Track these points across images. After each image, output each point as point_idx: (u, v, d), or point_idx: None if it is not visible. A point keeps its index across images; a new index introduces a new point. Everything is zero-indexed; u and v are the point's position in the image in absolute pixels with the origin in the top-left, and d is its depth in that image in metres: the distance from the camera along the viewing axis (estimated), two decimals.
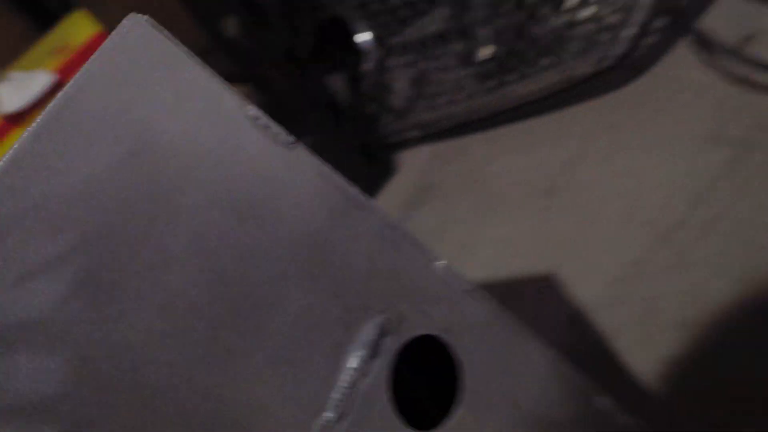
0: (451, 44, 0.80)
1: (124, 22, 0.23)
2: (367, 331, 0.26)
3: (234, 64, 0.80)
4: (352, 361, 0.25)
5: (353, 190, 0.27)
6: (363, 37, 0.84)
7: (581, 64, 0.66)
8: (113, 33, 0.23)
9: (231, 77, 0.26)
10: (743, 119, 0.53)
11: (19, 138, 0.20)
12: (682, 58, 0.62)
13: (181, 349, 0.22)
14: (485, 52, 0.74)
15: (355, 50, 0.85)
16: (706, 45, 0.60)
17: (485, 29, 0.75)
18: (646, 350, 0.46)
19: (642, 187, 0.55)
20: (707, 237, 0.48)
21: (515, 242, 0.57)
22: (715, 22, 0.63)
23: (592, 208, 0.57)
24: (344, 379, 0.25)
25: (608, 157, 0.60)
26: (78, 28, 0.64)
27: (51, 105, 0.22)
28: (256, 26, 0.83)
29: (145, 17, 0.24)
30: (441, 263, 0.29)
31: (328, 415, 0.25)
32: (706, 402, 0.40)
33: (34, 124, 0.21)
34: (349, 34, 0.85)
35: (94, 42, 0.64)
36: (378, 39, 0.83)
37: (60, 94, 0.22)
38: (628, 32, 0.63)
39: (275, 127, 0.25)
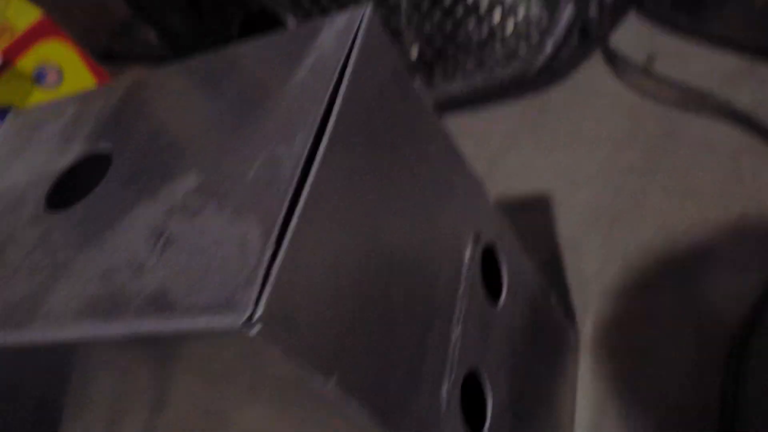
0: None
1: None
2: (469, 240, 0.38)
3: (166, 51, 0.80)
4: (466, 257, 0.37)
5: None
6: None
7: (505, 71, 0.73)
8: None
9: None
10: (650, 127, 0.63)
11: None
12: (596, 70, 0.71)
13: None
14: (413, 52, 0.80)
15: None
16: (615, 60, 0.69)
17: (412, 31, 0.80)
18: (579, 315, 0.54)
19: (568, 179, 0.63)
20: (632, 222, 0.57)
21: None
22: (623, 40, 0.72)
23: (522, 196, 0.64)
24: (464, 267, 0.37)
25: (533, 153, 0.68)
26: (17, 11, 0.63)
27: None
28: (185, 17, 0.84)
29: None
30: (491, 197, 0.43)
31: (463, 284, 0.36)
32: None
33: None
34: (278, 26, 0.88)
35: (38, 25, 0.63)
36: None
37: None
38: (548, 46, 0.71)
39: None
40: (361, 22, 0.31)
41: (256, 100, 0.31)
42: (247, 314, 0.22)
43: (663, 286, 0.52)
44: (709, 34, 0.68)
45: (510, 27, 0.76)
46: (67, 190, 0.34)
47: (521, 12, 0.75)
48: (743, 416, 0.44)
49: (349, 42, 0.30)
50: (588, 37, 0.74)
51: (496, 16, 0.77)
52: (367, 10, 0.32)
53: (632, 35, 0.74)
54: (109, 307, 0.26)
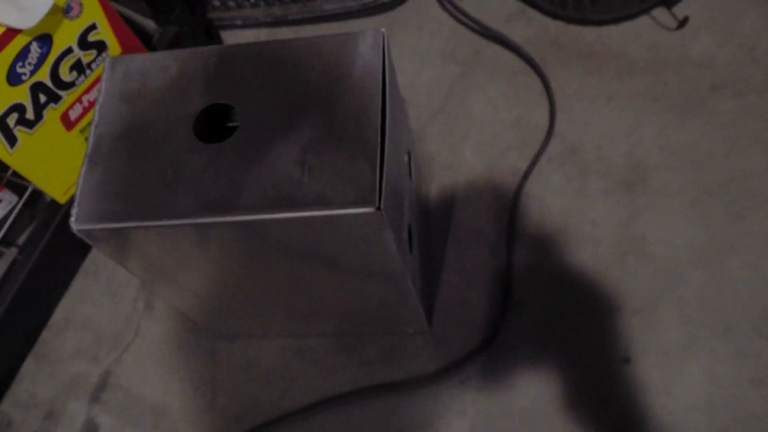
0: None
1: None
2: (405, 150, 0.65)
3: None
4: (405, 159, 0.66)
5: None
6: None
7: None
8: None
9: None
10: (465, 47, 0.94)
11: None
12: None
13: None
14: None
15: None
16: None
17: None
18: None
19: (411, 82, 0.93)
20: (458, 118, 0.89)
21: None
22: None
23: None
24: (405, 165, 0.65)
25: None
26: None
27: None
28: None
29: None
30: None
31: (407, 174, 0.65)
32: None
33: None
34: None
35: None
36: None
37: None
38: None
39: None
40: (384, 39, 0.56)
41: (331, 84, 0.55)
42: (376, 205, 0.50)
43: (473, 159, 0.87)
44: None
45: None
46: (199, 128, 0.55)
47: None
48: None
49: (382, 53, 0.55)
50: None
51: None
52: (383, 31, 0.56)
53: None
54: (288, 203, 0.51)
